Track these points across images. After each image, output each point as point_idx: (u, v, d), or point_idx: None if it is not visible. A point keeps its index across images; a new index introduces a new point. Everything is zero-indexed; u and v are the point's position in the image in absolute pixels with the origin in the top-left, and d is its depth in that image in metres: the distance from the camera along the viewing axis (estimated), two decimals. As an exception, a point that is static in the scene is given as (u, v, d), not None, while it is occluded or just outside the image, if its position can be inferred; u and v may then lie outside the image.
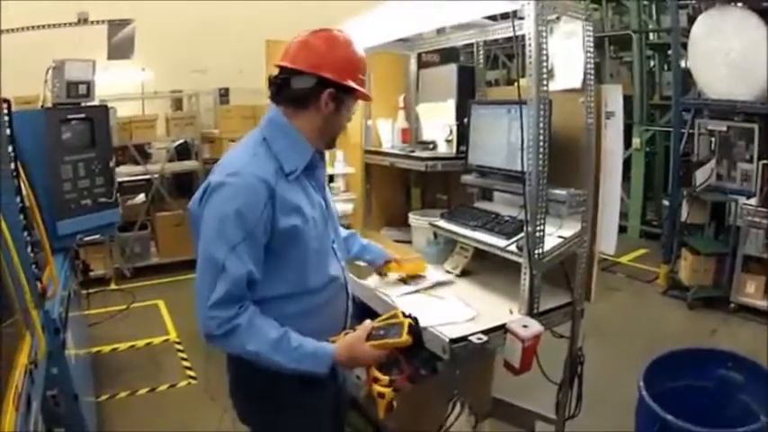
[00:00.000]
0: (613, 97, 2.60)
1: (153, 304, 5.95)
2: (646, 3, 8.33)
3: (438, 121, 3.32)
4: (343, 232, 2.27)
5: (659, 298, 6.23)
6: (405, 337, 1.67)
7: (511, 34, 2.36)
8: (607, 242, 2.60)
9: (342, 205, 3.45)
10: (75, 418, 2.70)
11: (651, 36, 8.32)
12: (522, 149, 2.24)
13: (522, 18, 2.25)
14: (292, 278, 1.77)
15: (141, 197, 7.37)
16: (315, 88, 1.75)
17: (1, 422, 1.55)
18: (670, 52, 7.16)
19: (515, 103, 2.28)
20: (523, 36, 2.20)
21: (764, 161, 5.60)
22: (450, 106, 3.24)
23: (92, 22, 5.01)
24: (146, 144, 7.20)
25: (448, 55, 3.88)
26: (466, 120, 2.99)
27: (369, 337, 1.71)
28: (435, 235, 3.02)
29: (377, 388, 1.72)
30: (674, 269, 6.39)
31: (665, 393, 2.46)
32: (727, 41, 5.63)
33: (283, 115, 1.80)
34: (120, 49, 4.70)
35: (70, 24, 5.41)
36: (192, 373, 4.45)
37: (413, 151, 3.27)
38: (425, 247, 3.08)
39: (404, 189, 3.82)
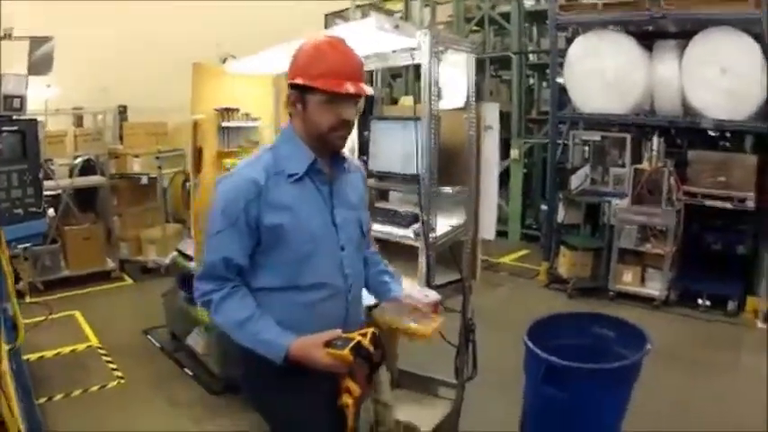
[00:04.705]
0: (491, 114, 3.20)
1: (70, 315, 6.03)
2: (526, 25, 8.97)
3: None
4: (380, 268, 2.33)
5: (541, 291, 6.76)
6: (345, 352, 1.69)
7: (404, 62, 2.92)
8: (487, 230, 3.18)
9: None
10: (31, 413, 2.93)
11: (531, 57, 8.93)
12: (417, 156, 2.75)
13: (416, 49, 2.80)
14: (283, 273, 1.89)
15: (51, 212, 7.39)
16: (290, 94, 1.90)
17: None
18: (548, 71, 7.76)
19: (411, 119, 2.82)
20: (419, 65, 2.74)
21: (636, 165, 6.26)
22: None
23: (14, 38, 5.08)
24: (48, 160, 7.25)
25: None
26: (366, 133, 3.49)
27: (329, 343, 1.75)
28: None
29: (344, 398, 1.81)
30: (553, 265, 6.94)
31: (549, 349, 2.81)
32: (602, 61, 6.30)
33: (290, 124, 1.97)
34: (41, 65, 4.81)
35: (-7, 39, 5.42)
36: (119, 374, 4.67)
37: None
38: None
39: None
